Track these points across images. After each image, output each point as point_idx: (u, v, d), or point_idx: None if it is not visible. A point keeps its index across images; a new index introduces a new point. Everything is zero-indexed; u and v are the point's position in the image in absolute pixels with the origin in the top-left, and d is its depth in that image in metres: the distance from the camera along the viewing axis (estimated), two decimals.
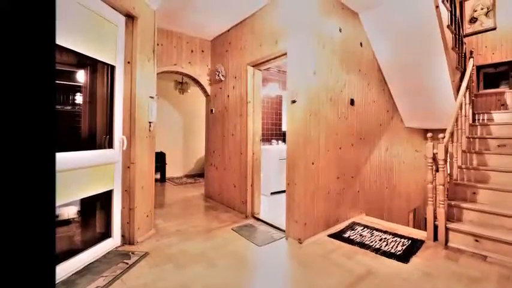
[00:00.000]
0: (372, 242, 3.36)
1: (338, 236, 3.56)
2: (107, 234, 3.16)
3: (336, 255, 3.05)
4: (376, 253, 3.08)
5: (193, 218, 4.38)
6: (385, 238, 3.46)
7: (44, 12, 0.57)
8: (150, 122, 3.56)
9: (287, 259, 3.06)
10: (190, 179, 8.09)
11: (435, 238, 3.34)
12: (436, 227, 3.34)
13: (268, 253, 3.17)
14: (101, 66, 3.17)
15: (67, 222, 3.18)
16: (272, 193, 6.08)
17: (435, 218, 3.36)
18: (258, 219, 4.28)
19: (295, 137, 3.43)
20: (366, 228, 3.79)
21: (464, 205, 3.47)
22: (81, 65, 3.16)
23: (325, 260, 2.95)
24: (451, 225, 3.28)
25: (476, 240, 3.09)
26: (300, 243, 3.34)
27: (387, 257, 2.98)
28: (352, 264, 2.87)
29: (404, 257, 2.96)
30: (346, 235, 3.58)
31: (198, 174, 8.74)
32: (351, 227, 3.86)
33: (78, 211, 3.27)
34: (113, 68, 3.13)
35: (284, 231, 3.65)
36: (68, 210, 3.19)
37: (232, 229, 3.86)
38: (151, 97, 3.57)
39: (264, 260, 3.03)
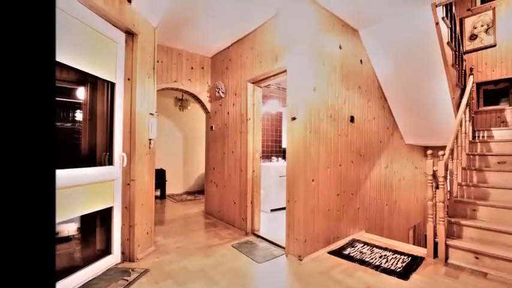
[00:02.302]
0: (372, 258, 3.35)
1: (338, 253, 3.55)
2: (106, 251, 3.15)
3: (336, 272, 3.04)
4: (376, 270, 3.07)
5: (193, 234, 4.37)
6: (385, 255, 3.45)
7: (44, 29, 0.57)
8: (150, 139, 3.59)
9: (287, 276, 3.04)
10: (190, 195, 8.06)
11: (435, 255, 3.33)
12: (436, 244, 3.33)
13: (268, 270, 3.16)
14: (101, 83, 3.21)
15: (67, 239, 3.18)
16: (272, 210, 6.07)
17: (435, 234, 3.36)
18: (258, 236, 4.27)
19: (295, 154, 3.46)
20: (366, 245, 3.78)
21: (464, 222, 3.47)
22: (81, 82, 3.19)
23: (325, 277, 2.94)
24: (451, 242, 3.28)
25: (477, 257, 3.08)
26: (300, 260, 3.33)
27: (387, 273, 2.97)
28: (352, 281, 2.85)
29: (405, 273, 2.95)
30: (346, 252, 3.56)
31: (198, 191, 8.72)
32: (351, 244, 3.85)
33: (78, 228, 3.27)
34: (113, 85, 3.15)
35: (284, 248, 3.64)
36: (67, 227, 3.19)
37: (232, 246, 3.85)
38: (152, 114, 3.61)
39: (264, 277, 3.01)
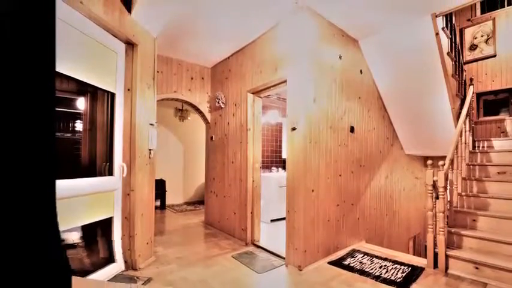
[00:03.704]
0: (371, 269, 3.35)
1: (338, 263, 3.54)
2: (109, 260, 3.15)
3: (335, 283, 3.03)
4: (376, 280, 3.06)
5: (194, 245, 4.36)
6: (385, 265, 3.45)
7: (44, 39, 0.57)
8: (150, 149, 3.60)
9: (287, 286, 3.04)
10: (190, 206, 8.05)
11: (435, 265, 3.32)
12: (436, 254, 3.33)
13: (269, 280, 3.15)
14: (101, 94, 3.22)
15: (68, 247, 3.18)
16: (272, 220, 6.05)
17: (435, 245, 3.36)
18: (258, 247, 4.26)
19: (295, 165, 3.48)
20: (366, 256, 3.77)
21: (464, 232, 3.47)
22: (81, 92, 3.20)
23: None
24: (451, 253, 3.28)
25: (476, 268, 3.08)
26: (300, 270, 3.33)
27: (387, 284, 2.97)
28: None
29: (404, 284, 2.94)
30: (346, 262, 3.56)
31: (198, 202, 8.70)
32: (351, 254, 3.84)
33: (80, 237, 3.27)
34: (113, 95, 3.17)
35: (284, 258, 3.63)
36: (67, 236, 3.19)
37: (232, 256, 3.84)
38: (152, 124, 3.62)
39: None
